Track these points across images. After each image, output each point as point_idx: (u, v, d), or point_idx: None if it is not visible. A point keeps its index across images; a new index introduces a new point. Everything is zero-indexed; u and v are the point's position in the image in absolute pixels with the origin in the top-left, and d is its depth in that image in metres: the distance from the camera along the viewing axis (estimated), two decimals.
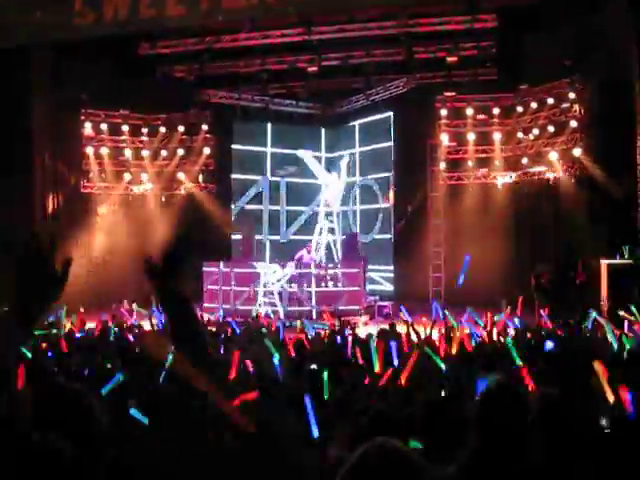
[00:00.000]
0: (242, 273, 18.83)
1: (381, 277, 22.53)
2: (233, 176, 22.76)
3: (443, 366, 6.54)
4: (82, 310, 14.47)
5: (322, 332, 12.07)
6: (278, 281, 18.61)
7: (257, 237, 21.14)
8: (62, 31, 14.85)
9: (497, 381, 2.83)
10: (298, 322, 13.63)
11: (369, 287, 20.92)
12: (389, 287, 22.22)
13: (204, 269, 19.04)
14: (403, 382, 5.89)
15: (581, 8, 15.90)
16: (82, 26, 14.60)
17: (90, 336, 10.84)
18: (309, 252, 19.98)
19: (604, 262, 15.38)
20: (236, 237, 21.59)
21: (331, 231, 21.65)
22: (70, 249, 19.42)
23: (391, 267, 22.24)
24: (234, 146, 22.76)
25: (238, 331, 11.00)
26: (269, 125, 23.23)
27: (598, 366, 4.43)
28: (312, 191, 23.15)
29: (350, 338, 8.74)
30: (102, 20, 14.37)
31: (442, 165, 20.65)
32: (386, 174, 22.34)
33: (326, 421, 4.52)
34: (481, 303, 15.48)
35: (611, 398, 4.25)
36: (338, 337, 9.93)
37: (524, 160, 19.73)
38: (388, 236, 22.48)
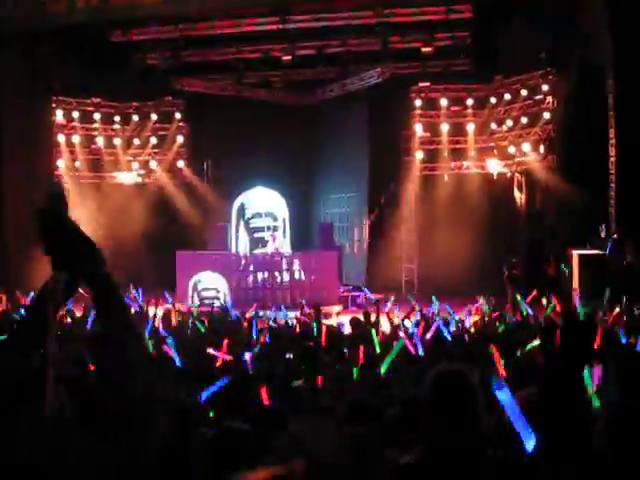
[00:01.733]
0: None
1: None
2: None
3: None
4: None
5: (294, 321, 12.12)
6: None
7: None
8: (35, 19, 14.63)
9: (446, 367, 2.75)
10: (267, 312, 13.67)
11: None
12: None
13: (177, 257, 18.91)
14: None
15: (556, 1, 15.99)
16: (54, 14, 14.39)
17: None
18: (274, 240, 19.97)
19: (575, 252, 15.52)
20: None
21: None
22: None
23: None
24: None
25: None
26: None
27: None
28: None
29: (324, 327, 8.73)
30: (74, 8, 14.18)
31: (417, 156, 20.67)
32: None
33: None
34: (453, 293, 15.67)
35: None
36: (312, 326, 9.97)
37: (497, 151, 19.83)
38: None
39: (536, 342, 6.69)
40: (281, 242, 20.37)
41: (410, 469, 2.59)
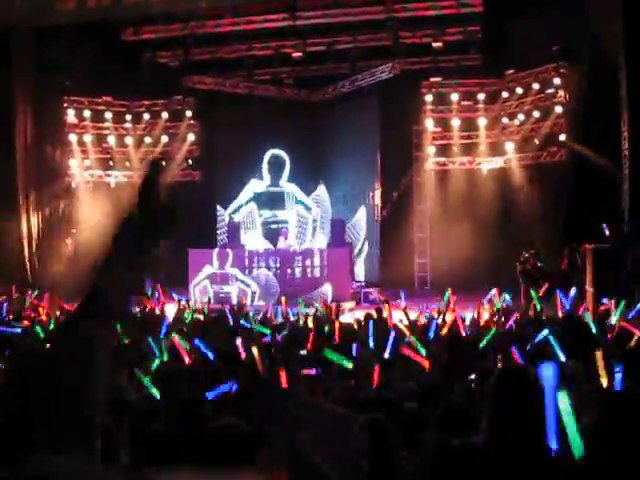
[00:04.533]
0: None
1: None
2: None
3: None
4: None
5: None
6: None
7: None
8: (44, 16, 14.66)
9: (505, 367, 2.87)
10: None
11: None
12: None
13: (189, 254, 18.95)
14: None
15: None
16: (64, 11, 14.42)
17: None
18: (286, 238, 19.93)
19: (589, 247, 15.41)
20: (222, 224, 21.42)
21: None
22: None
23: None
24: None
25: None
26: None
27: None
28: None
29: (337, 324, 8.71)
30: (85, 5, 14.20)
31: (427, 150, 20.61)
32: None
33: None
34: (466, 288, 15.61)
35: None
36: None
37: (509, 145, 19.75)
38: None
39: (545, 332, 6.66)
40: (292, 239, 20.29)
41: (470, 451, 2.64)
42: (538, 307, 11.20)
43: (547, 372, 2.51)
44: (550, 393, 2.50)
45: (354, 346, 6.78)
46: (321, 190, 20.75)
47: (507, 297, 12.92)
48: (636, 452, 2.84)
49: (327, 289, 18.01)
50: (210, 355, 6.69)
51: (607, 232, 15.09)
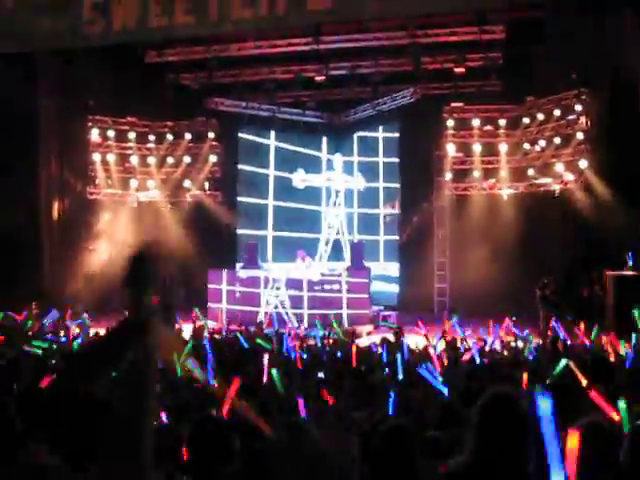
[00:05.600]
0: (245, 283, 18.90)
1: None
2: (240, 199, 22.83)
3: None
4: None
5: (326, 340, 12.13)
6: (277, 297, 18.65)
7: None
8: (70, 39, 14.87)
9: (495, 391, 2.81)
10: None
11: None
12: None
13: (209, 275, 19.10)
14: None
15: (588, 22, 15.90)
16: (90, 34, 14.61)
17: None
18: (303, 260, 19.96)
19: (610, 274, 15.34)
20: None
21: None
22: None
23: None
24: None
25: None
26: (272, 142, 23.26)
27: None
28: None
29: (354, 348, 8.70)
30: (110, 29, 14.37)
31: (448, 175, 20.62)
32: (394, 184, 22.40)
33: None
34: (486, 314, 15.51)
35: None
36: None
37: (530, 171, 19.71)
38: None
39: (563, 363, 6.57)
40: (311, 263, 20.34)
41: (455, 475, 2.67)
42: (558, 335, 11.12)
43: (544, 404, 2.49)
44: (547, 426, 2.48)
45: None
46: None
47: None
48: None
49: (345, 312, 18.01)
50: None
51: (630, 261, 15.02)
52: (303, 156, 23.52)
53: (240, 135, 22.81)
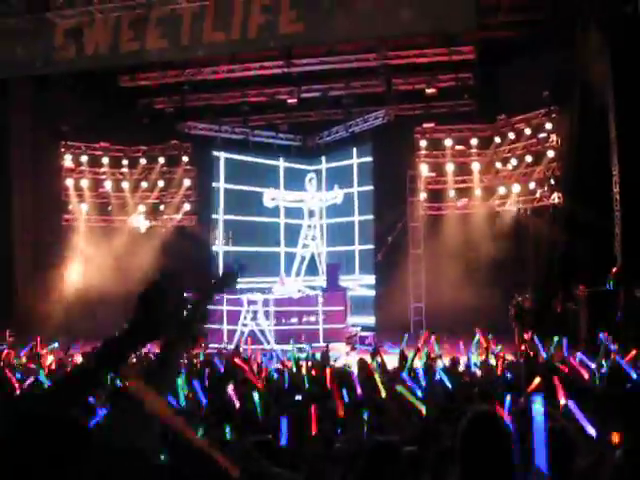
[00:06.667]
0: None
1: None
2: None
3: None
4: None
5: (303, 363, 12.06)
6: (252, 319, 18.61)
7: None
8: (43, 65, 14.86)
9: (477, 411, 2.75)
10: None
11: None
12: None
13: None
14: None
15: (557, 41, 16.16)
16: (63, 60, 14.62)
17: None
18: (282, 284, 19.95)
19: (583, 290, 15.48)
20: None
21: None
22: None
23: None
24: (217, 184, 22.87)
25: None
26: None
27: None
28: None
29: (327, 371, 8.65)
30: (83, 54, 14.40)
31: (422, 195, 20.75)
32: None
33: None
34: (462, 332, 15.55)
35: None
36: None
37: (502, 190, 19.90)
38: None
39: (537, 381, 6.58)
40: (289, 284, 20.36)
41: None
42: (534, 350, 11.16)
43: (537, 405, 2.53)
44: (539, 426, 2.52)
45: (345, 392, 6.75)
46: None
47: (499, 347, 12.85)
48: None
49: (321, 333, 18.00)
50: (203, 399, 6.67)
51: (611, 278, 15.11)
52: (275, 174, 23.67)
53: (214, 154, 22.84)
